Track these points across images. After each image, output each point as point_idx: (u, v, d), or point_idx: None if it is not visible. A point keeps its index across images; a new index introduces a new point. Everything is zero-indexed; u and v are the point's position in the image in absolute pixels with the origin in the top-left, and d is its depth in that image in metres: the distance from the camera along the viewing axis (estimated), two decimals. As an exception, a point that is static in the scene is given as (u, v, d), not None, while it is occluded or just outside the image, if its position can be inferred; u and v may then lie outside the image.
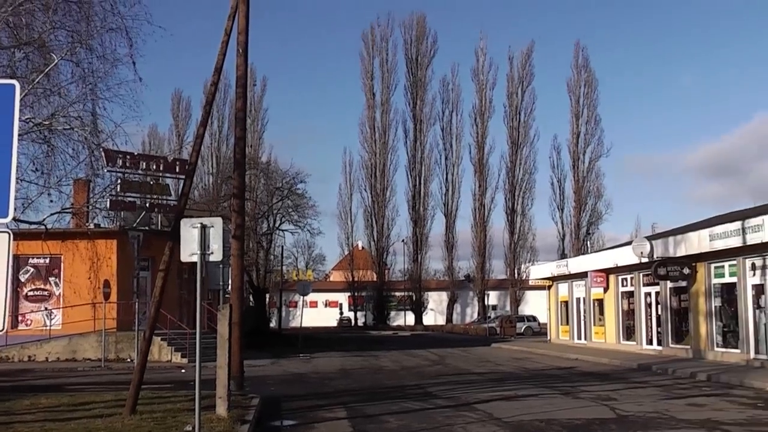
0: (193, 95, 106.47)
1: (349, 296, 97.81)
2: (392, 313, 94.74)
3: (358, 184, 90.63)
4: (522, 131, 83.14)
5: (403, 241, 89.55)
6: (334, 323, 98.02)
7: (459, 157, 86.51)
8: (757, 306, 27.21)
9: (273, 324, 70.14)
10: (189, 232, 12.68)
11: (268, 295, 68.25)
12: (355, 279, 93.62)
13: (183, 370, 27.37)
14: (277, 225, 61.83)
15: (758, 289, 27.11)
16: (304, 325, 53.82)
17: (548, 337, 48.46)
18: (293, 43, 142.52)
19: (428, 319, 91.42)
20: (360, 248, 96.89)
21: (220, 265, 32.27)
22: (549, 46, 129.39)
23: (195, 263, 12.78)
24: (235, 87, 20.92)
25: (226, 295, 32.86)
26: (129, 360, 31.01)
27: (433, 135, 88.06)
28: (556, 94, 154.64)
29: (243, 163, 21.32)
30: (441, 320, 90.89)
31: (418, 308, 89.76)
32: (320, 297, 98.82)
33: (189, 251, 12.69)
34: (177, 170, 35.76)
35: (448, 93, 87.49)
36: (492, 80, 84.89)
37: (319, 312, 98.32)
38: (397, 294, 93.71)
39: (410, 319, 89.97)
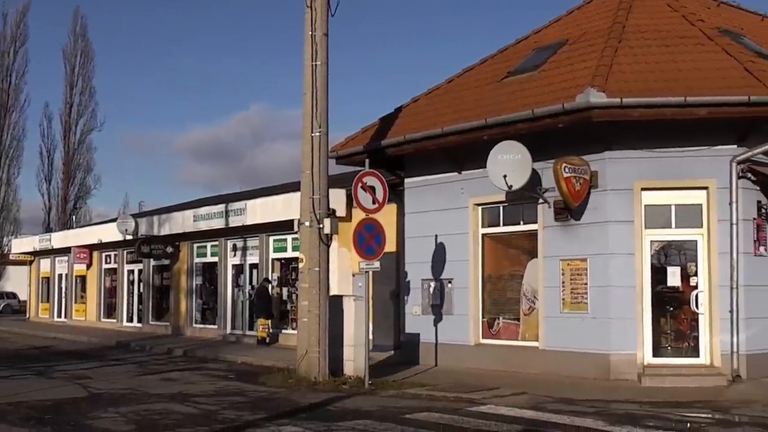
0: None
1: None
2: None
3: None
4: (12, 94, 77.62)
5: None
6: None
7: (-65, 116, 79.60)
8: (237, 285, 28.81)
9: None
10: None
11: None
12: None
13: None
14: None
15: (238, 269, 28.70)
16: None
17: (27, 316, 46.56)
18: None
19: None
20: None
21: None
22: (49, 9, 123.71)
23: None
24: None
25: None
26: None
27: None
28: (52, 60, 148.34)
29: None
30: None
31: None
32: None
33: None
34: None
35: None
36: (-19, 35, 79.28)
37: None
38: None
39: None
